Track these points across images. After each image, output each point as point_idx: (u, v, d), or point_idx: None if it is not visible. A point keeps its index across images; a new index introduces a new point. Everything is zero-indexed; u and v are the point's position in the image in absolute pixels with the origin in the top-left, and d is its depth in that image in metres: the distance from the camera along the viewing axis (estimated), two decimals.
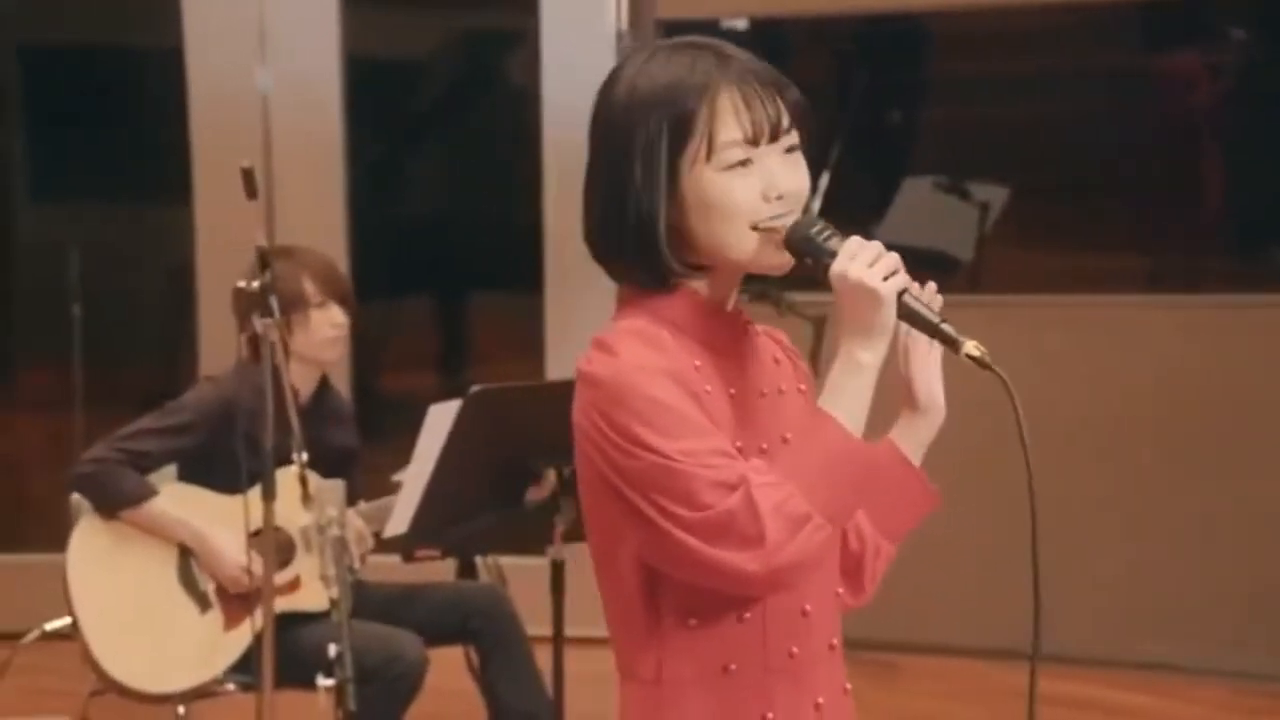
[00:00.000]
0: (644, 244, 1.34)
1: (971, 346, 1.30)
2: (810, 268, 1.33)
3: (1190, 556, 4.05)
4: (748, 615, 1.36)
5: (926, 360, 1.44)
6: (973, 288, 4.46)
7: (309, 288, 2.87)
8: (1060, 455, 4.10)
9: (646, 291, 1.38)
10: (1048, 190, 4.51)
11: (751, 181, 1.34)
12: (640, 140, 1.33)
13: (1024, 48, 4.49)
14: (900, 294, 1.31)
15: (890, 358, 1.35)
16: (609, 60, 4.34)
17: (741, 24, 4.41)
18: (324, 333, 2.90)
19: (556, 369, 4.30)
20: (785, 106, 1.35)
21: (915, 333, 1.39)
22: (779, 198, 1.34)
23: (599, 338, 1.35)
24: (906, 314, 1.31)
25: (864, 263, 1.30)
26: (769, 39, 4.42)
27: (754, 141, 1.34)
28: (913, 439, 1.45)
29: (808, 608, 1.39)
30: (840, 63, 4.59)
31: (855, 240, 1.32)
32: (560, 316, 4.38)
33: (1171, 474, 4.07)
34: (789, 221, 1.34)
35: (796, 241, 1.33)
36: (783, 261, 1.35)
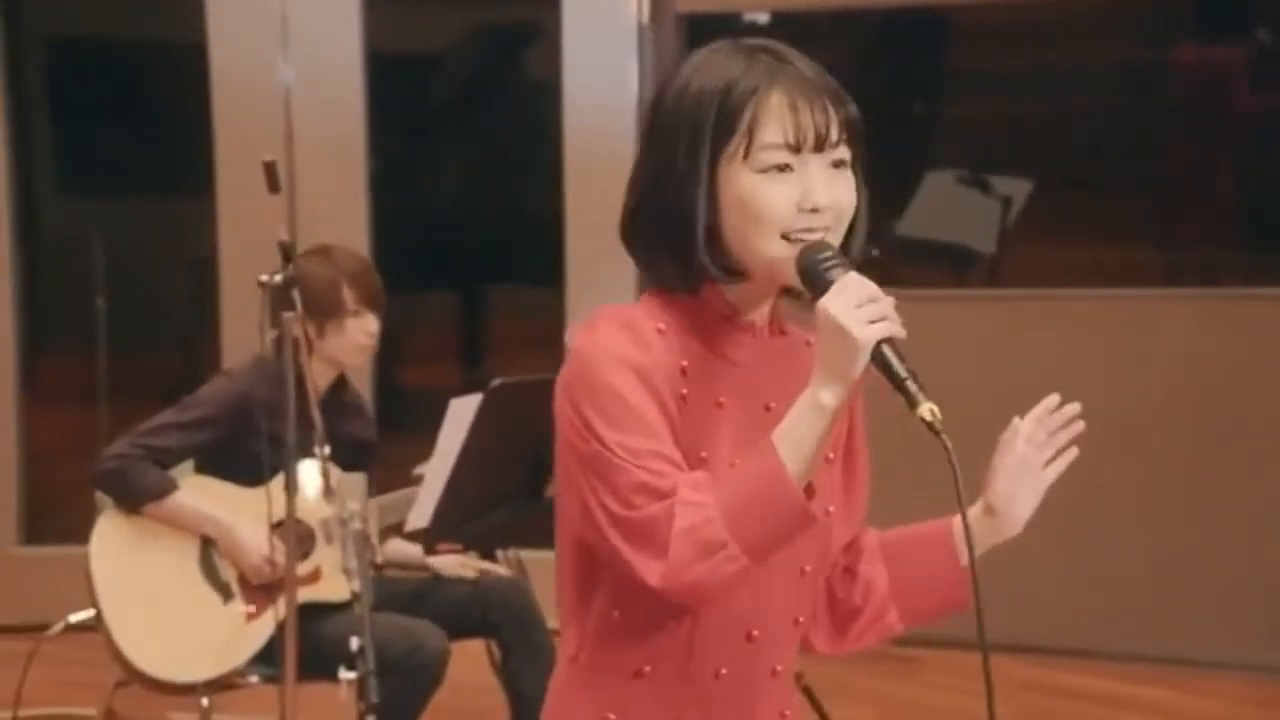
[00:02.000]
0: (678, 238, 1.32)
1: (926, 409, 1.24)
2: (812, 296, 1.29)
3: (1209, 550, 4.04)
4: (673, 624, 1.33)
5: (1025, 471, 1.40)
6: (994, 281, 4.44)
7: (347, 295, 2.87)
8: (1079, 449, 4.08)
9: (670, 289, 1.36)
10: (1069, 184, 4.50)
11: (788, 189, 1.31)
12: (686, 134, 1.32)
13: (1045, 41, 4.47)
14: (880, 343, 1.25)
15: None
16: (630, 54, 4.34)
17: (763, 17, 4.40)
18: (357, 340, 2.91)
19: None
20: (838, 119, 1.32)
21: (1026, 440, 1.39)
22: (813, 210, 1.31)
23: (593, 313, 1.34)
24: (879, 362, 1.25)
25: (851, 303, 1.25)
26: (790, 32, 4.42)
27: (796, 148, 1.31)
28: (977, 534, 1.39)
29: (755, 633, 1.37)
30: (862, 56, 4.58)
31: (853, 277, 1.27)
32: (581, 310, 4.38)
33: (1190, 467, 4.06)
34: (815, 238, 1.31)
35: (801, 265, 1.30)
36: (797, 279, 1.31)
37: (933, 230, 4.14)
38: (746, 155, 1.31)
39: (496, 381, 2.55)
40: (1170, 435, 4.07)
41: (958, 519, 1.38)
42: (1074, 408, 1.42)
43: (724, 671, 1.36)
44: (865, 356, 1.25)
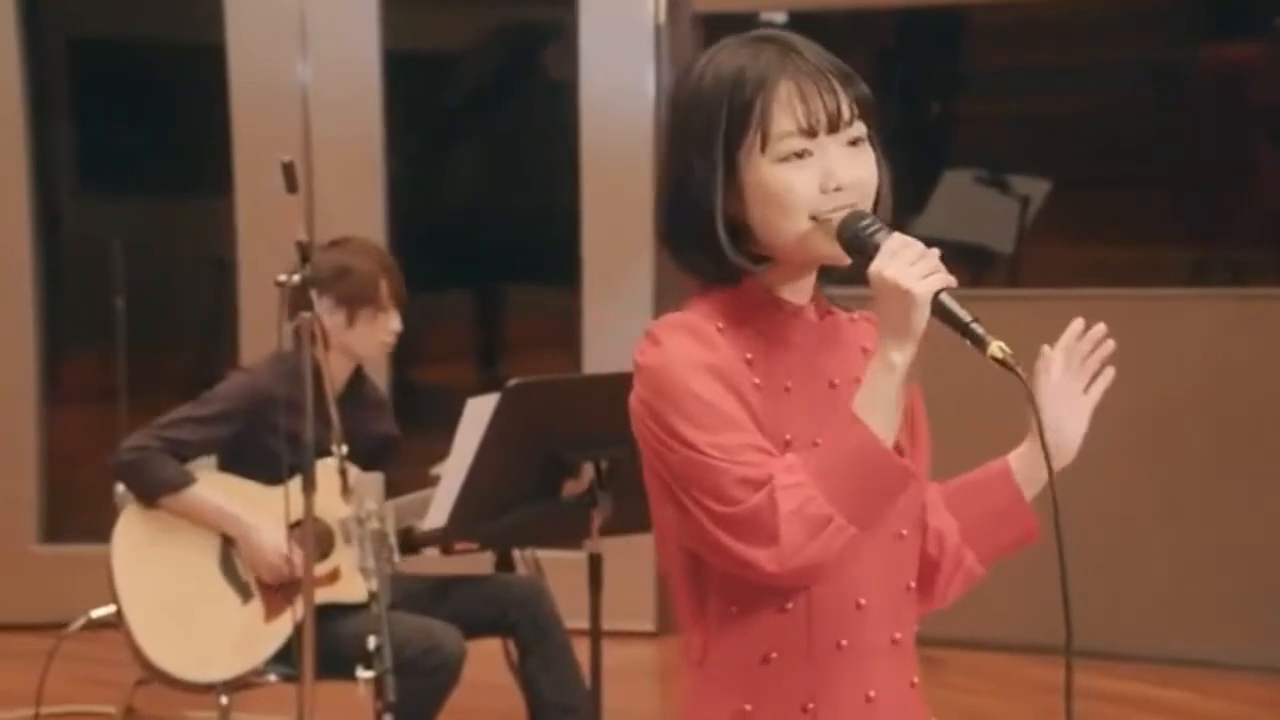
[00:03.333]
0: (703, 236, 1.35)
1: (996, 348, 1.29)
2: (858, 263, 1.33)
3: (1230, 552, 4.02)
4: (790, 605, 1.36)
5: (1066, 396, 1.43)
6: (1013, 281, 4.43)
7: (384, 290, 2.91)
8: (1102, 450, 4.06)
9: (711, 285, 1.39)
10: (1088, 183, 4.48)
11: (810, 173, 1.34)
12: (699, 133, 1.35)
13: (1064, 39, 4.45)
14: (937, 293, 1.30)
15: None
16: (647, 53, 4.34)
17: (780, 17, 4.40)
18: (382, 336, 2.94)
19: (593, 362, 4.30)
20: (848, 98, 1.35)
21: (1062, 368, 1.42)
22: (838, 189, 1.34)
23: (650, 328, 1.37)
24: (940, 312, 1.30)
25: (904, 262, 1.29)
26: (807, 32, 4.40)
27: (811, 133, 1.33)
28: (1030, 469, 1.43)
29: (863, 601, 1.38)
30: (880, 55, 4.57)
31: (897, 237, 1.31)
32: (597, 309, 4.38)
33: (1213, 468, 4.04)
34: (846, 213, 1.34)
35: (845, 235, 1.33)
36: (837, 253, 1.35)
37: (951, 230, 4.12)
38: (764, 147, 1.33)
39: (513, 381, 2.55)
40: (1192, 435, 4.05)
41: (1014, 454, 1.44)
42: (1100, 328, 1.45)
43: (844, 643, 1.38)
44: (926, 310, 1.29)
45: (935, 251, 1.30)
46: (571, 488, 2.55)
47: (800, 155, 1.33)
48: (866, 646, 1.39)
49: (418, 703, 2.74)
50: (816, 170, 1.34)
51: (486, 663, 3.04)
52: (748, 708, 1.38)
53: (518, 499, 2.56)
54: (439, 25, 4.87)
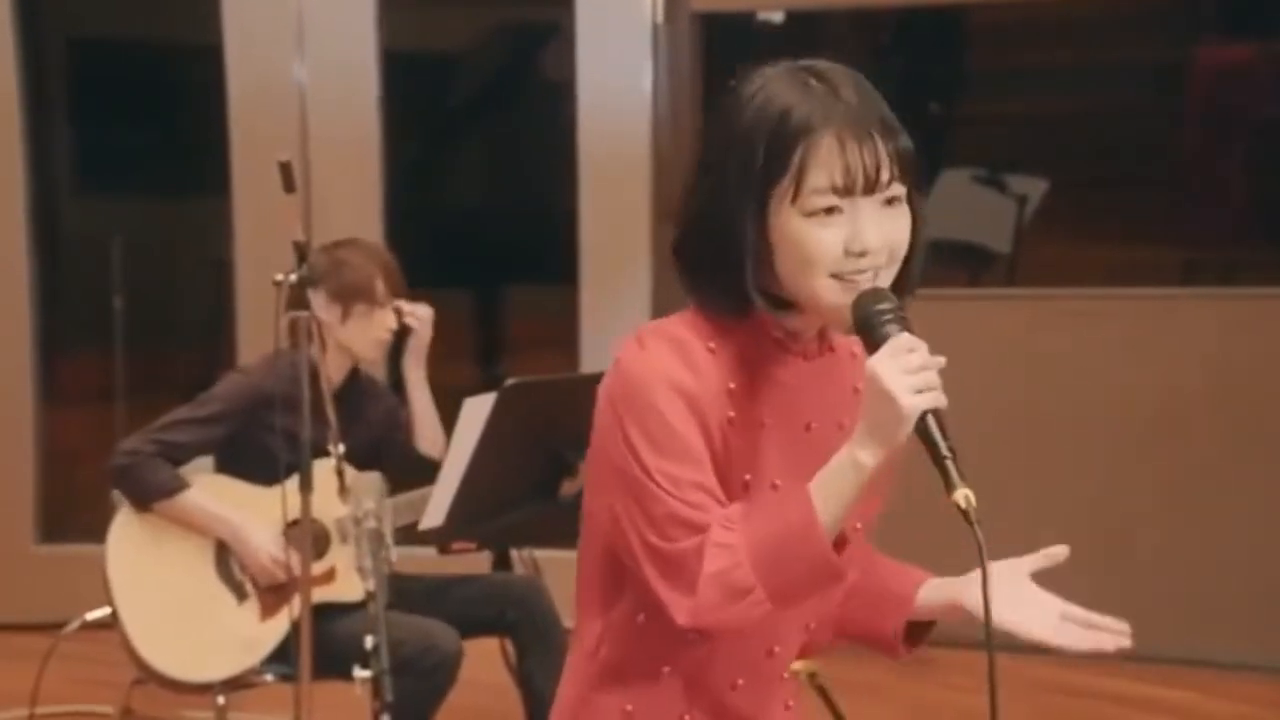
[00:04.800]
0: (728, 269, 1.32)
1: (961, 496, 1.24)
2: (865, 346, 1.29)
3: (1228, 551, 4.02)
4: (695, 637, 1.33)
5: (1017, 590, 1.40)
6: (1010, 281, 4.43)
7: (380, 286, 2.90)
8: (1098, 449, 4.07)
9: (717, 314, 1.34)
10: (1085, 183, 4.48)
11: (836, 232, 1.30)
12: (737, 167, 1.31)
13: (1061, 40, 4.46)
14: (924, 414, 1.24)
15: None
16: (644, 53, 4.34)
17: (778, 16, 4.40)
18: (378, 333, 2.93)
19: (591, 362, 4.30)
20: (889, 155, 1.31)
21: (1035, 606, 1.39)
22: (862, 253, 1.30)
23: (641, 329, 1.35)
24: (921, 433, 1.25)
25: (902, 369, 1.24)
26: (804, 31, 4.41)
27: (846, 191, 1.29)
28: (940, 595, 1.44)
29: (776, 649, 1.39)
30: (876, 55, 4.57)
31: (905, 339, 1.26)
32: (595, 309, 4.38)
33: (1209, 467, 4.04)
34: (867, 281, 1.30)
35: (858, 313, 1.29)
36: (847, 321, 1.31)
37: (948, 229, 4.13)
38: (795, 198, 1.30)
39: (511, 381, 2.55)
40: (1189, 435, 4.05)
41: (930, 583, 1.44)
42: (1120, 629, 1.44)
43: (741, 682, 1.38)
44: (910, 425, 1.24)
45: (939, 362, 1.25)
46: (569, 487, 2.56)
47: (830, 211, 1.29)
48: (763, 686, 1.40)
49: (415, 702, 2.74)
50: (845, 230, 1.30)
51: (484, 662, 3.04)
52: (629, 708, 1.38)
53: (515, 498, 2.56)
54: (436, 25, 4.87)
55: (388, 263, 2.96)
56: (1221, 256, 4.45)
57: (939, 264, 4.54)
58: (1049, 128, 4.44)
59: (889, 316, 1.28)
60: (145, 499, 2.84)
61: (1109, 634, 1.42)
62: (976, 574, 1.27)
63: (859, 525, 1.39)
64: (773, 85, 1.32)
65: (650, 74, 4.34)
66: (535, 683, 2.97)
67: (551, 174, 4.55)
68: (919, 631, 1.48)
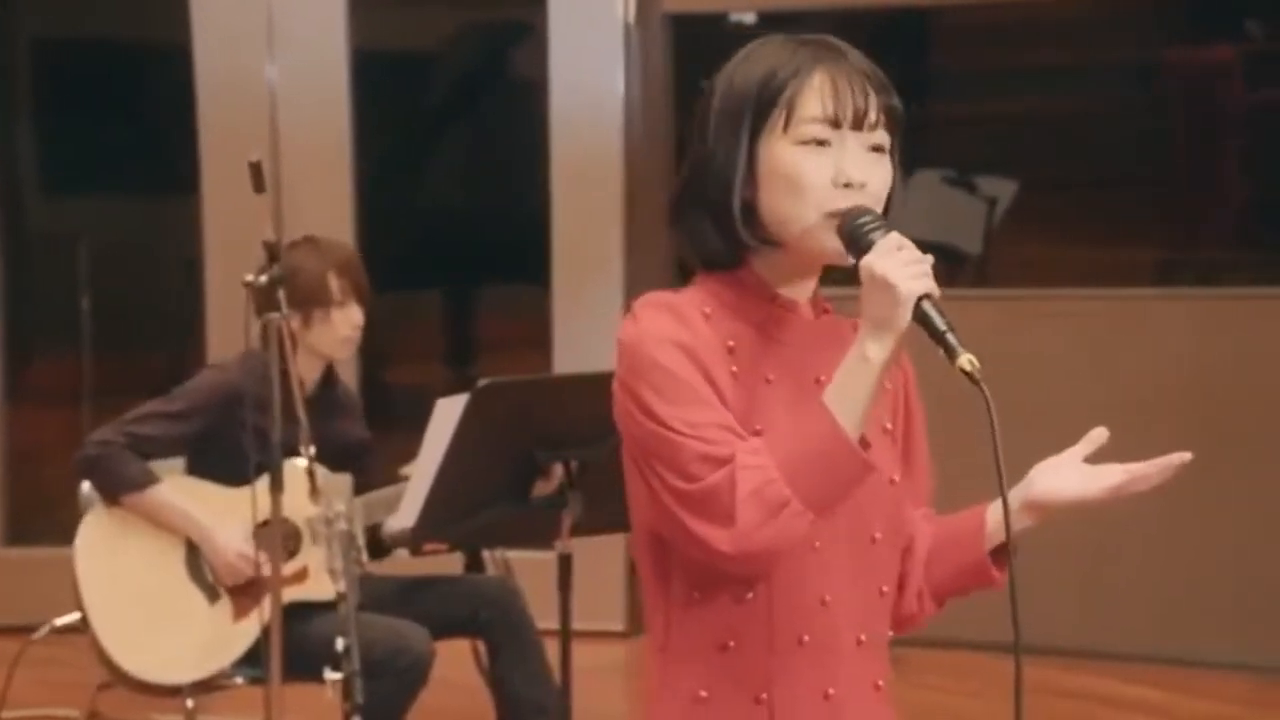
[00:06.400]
0: (717, 211, 1.36)
1: (965, 360, 1.30)
2: (853, 257, 1.33)
3: (1207, 551, 4.04)
4: (750, 596, 1.36)
5: (1078, 469, 1.45)
6: (981, 282, 4.45)
7: (334, 285, 2.88)
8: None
9: (711, 268, 1.38)
10: (1055, 184, 4.50)
11: (824, 162, 1.34)
12: (727, 115, 1.36)
13: (1031, 42, 4.48)
14: (921, 297, 1.30)
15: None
16: (616, 53, 4.34)
17: (750, 17, 4.40)
18: (342, 332, 2.91)
19: (564, 362, 4.30)
20: (879, 104, 1.36)
21: (1097, 477, 1.46)
22: (847, 185, 1.34)
23: (634, 304, 1.38)
24: (919, 316, 1.31)
25: (896, 261, 1.30)
26: (776, 32, 4.41)
27: (835, 123, 1.34)
28: (1004, 521, 1.42)
29: (827, 598, 1.38)
30: None
31: (895, 236, 1.32)
32: (567, 310, 4.38)
33: (1186, 469, 4.05)
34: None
35: (845, 228, 1.34)
36: (839, 250, 1.34)
37: (918, 230, 4.13)
38: (786, 127, 1.34)
39: (483, 382, 2.54)
40: (1163, 435, 4.02)
41: (989, 510, 1.44)
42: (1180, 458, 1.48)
43: (806, 638, 1.38)
44: (909, 308, 1.29)
45: (928, 258, 1.31)
46: (542, 488, 2.55)
47: (820, 143, 1.34)
48: (830, 644, 1.39)
49: (386, 704, 2.73)
50: (831, 161, 1.34)
51: (455, 663, 3.03)
52: (703, 694, 1.38)
53: (488, 499, 2.56)
54: (407, 25, 4.86)
55: (342, 259, 2.92)
56: (1195, 257, 4.48)
57: None
58: (1019, 129, 4.46)
59: (875, 225, 1.33)
60: (114, 492, 2.82)
61: (1156, 466, 1.51)
62: (1030, 474, 1.40)
63: (895, 478, 1.41)
64: (763, 48, 1.40)
65: (622, 74, 4.34)
66: (507, 684, 2.97)
67: (523, 174, 4.54)
68: (1002, 554, 1.47)
